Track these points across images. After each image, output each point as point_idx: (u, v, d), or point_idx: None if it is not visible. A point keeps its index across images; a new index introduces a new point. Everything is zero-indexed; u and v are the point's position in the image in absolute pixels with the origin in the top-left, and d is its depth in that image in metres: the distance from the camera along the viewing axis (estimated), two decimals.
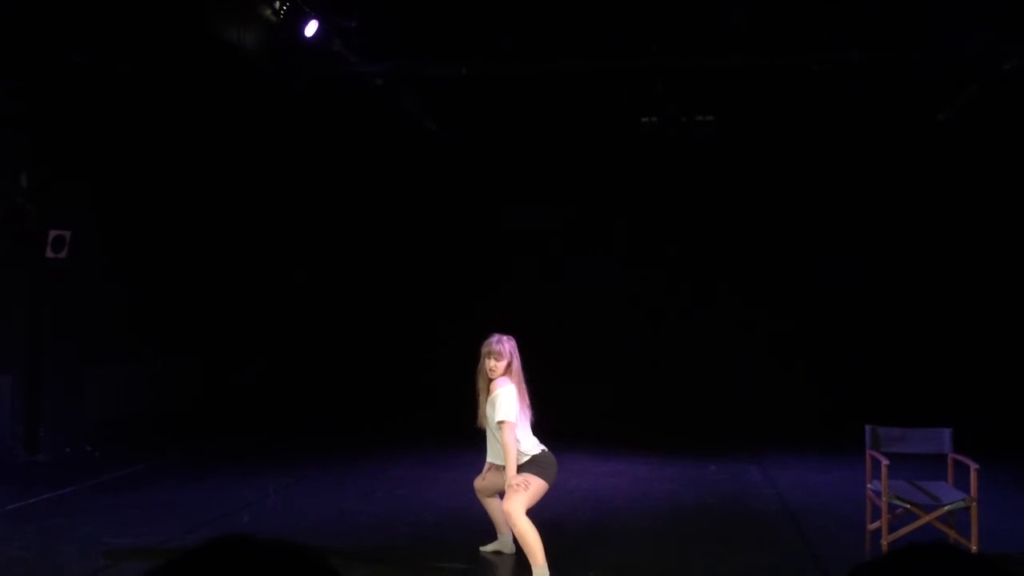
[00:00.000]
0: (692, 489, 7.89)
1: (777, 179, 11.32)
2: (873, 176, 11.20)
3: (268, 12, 8.32)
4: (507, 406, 5.35)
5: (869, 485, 5.87)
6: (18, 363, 8.48)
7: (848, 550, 5.94)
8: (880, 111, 10.39)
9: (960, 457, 5.72)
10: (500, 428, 5.34)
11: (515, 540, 5.55)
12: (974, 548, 5.43)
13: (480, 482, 5.81)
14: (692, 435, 10.09)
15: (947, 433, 5.88)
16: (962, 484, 5.63)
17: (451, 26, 8.84)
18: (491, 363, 5.39)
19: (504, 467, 5.37)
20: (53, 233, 8.52)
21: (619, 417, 10.60)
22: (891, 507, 5.56)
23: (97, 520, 6.55)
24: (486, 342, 5.46)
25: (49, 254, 8.53)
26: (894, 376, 10.67)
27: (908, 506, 5.54)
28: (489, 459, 5.62)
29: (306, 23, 8.54)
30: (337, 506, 7.12)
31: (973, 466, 5.48)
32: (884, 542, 5.51)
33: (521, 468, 5.37)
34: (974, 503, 5.46)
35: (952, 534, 5.62)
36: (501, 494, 5.60)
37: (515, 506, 5.27)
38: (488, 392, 5.45)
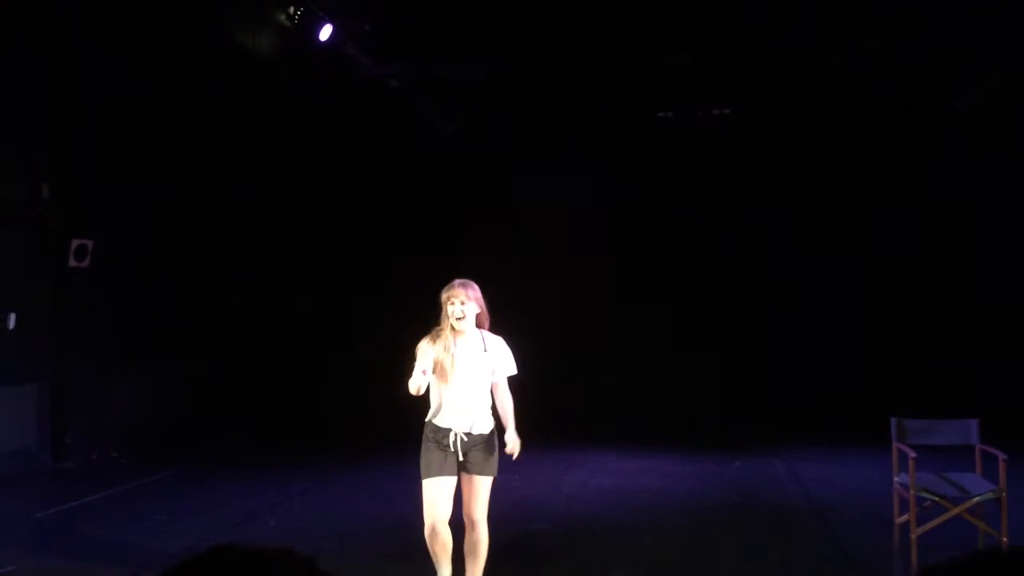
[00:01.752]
0: (717, 485, 7.86)
1: (795, 171, 11.23)
2: (892, 166, 11.09)
3: (283, 17, 8.37)
4: (513, 359, 4.74)
5: (896, 478, 5.82)
6: (43, 371, 8.56)
7: (876, 544, 5.91)
8: (898, 99, 10.29)
9: (988, 448, 5.66)
10: (500, 384, 4.71)
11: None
12: (1005, 540, 5.38)
13: (446, 503, 4.55)
14: (716, 431, 10.04)
15: (974, 424, 5.82)
16: (991, 475, 5.57)
17: (465, 26, 8.85)
18: (459, 307, 4.56)
19: (480, 436, 4.60)
20: (76, 242, 8.60)
21: (643, 414, 10.56)
22: (919, 500, 5.51)
23: (125, 526, 6.60)
24: (449, 285, 4.65)
25: (72, 263, 8.60)
26: (919, 367, 10.56)
27: (936, 499, 5.49)
28: (457, 427, 4.56)
29: (320, 27, 8.58)
30: (361, 507, 7.14)
31: (1002, 456, 5.42)
32: (913, 536, 5.46)
33: (481, 439, 4.62)
34: (1003, 494, 5.40)
35: (982, 526, 5.56)
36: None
37: (485, 514, 4.68)
38: (451, 343, 4.57)
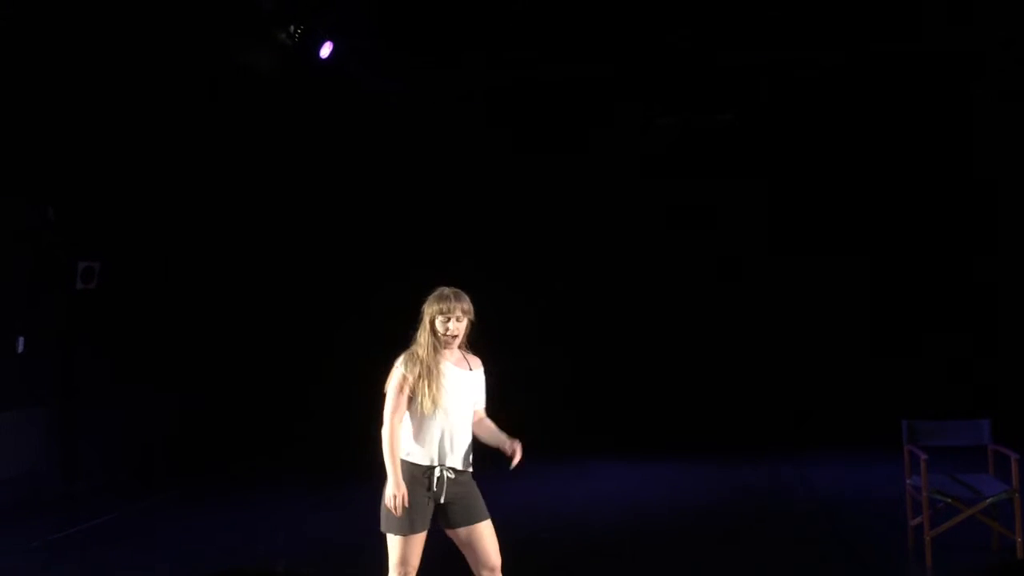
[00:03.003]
0: (726, 489, 7.86)
1: (798, 174, 11.23)
2: (900, 168, 11.08)
3: (283, 36, 8.41)
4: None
5: (908, 480, 5.81)
6: (53, 393, 8.57)
7: (890, 547, 5.89)
8: (902, 102, 10.30)
9: (1000, 448, 5.65)
10: (480, 413, 4.16)
11: None
12: (1019, 540, 5.36)
13: (417, 560, 3.96)
14: (723, 434, 10.03)
15: (986, 424, 5.82)
16: (1004, 475, 5.56)
17: (464, 38, 8.89)
18: (454, 324, 4.00)
19: (467, 475, 4.00)
20: (82, 264, 8.63)
21: (647, 418, 10.55)
22: (932, 502, 5.50)
23: (137, 547, 6.60)
24: (439, 296, 4.04)
25: (79, 285, 8.63)
26: (928, 369, 10.54)
27: (950, 500, 5.48)
28: (443, 463, 3.92)
29: (321, 45, 8.63)
30: (370, 522, 7.11)
31: (1014, 456, 5.41)
32: (927, 538, 5.45)
33: (467, 479, 4.03)
34: (1017, 494, 5.38)
35: (996, 527, 5.55)
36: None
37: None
38: (438, 363, 3.98)
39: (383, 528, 3.96)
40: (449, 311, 3.98)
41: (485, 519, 3.97)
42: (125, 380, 9.27)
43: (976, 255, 10.82)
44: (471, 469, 4.02)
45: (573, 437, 9.66)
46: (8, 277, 8.09)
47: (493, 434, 4.16)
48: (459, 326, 3.99)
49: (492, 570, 3.97)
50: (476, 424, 4.12)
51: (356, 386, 11.20)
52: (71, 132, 8.45)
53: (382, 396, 4.05)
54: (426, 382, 3.91)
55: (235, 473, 9.32)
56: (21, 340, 8.15)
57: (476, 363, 4.13)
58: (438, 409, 3.91)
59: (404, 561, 3.90)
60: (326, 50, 8.71)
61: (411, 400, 3.95)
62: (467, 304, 4.04)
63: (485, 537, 3.95)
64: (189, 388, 10.19)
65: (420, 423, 3.93)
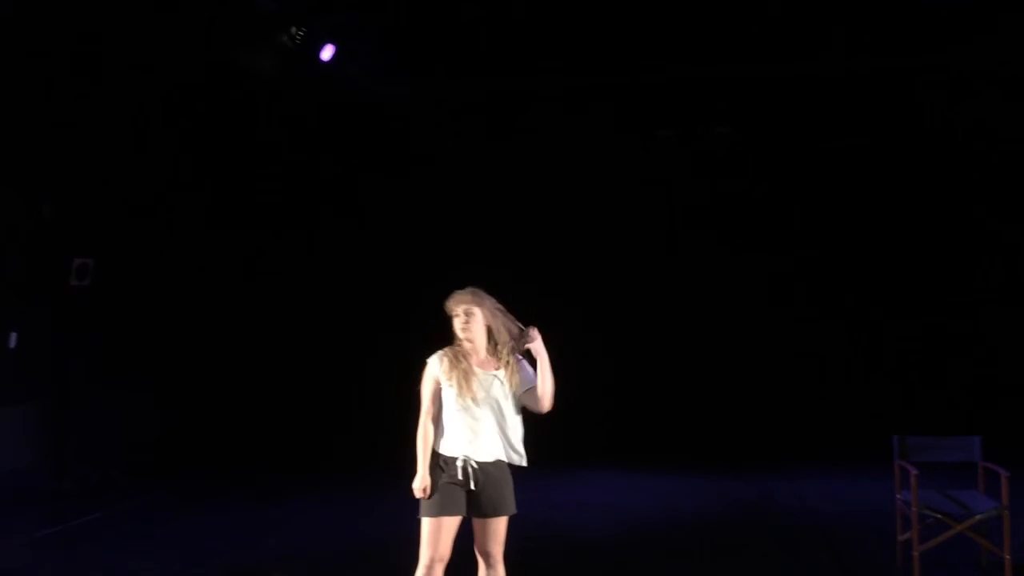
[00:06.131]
0: (719, 502, 7.85)
1: (797, 188, 11.26)
2: (895, 182, 11.11)
3: (284, 38, 8.43)
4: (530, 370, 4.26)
5: (898, 496, 5.82)
6: (44, 390, 8.55)
7: (879, 562, 5.90)
8: (897, 116, 10.34)
9: (990, 465, 5.66)
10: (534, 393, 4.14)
11: None
12: (1007, 557, 5.37)
13: (446, 544, 4.09)
14: (718, 448, 10.03)
15: (977, 441, 5.82)
16: (993, 492, 5.57)
17: (466, 46, 8.92)
18: (459, 323, 4.20)
19: (495, 467, 4.10)
20: (77, 261, 8.62)
21: (642, 430, 10.55)
22: (922, 517, 5.50)
23: (126, 546, 6.58)
24: (452, 295, 4.23)
25: (73, 282, 8.62)
26: (920, 385, 10.55)
27: (939, 516, 5.48)
28: (466, 454, 4.06)
29: (322, 48, 8.65)
30: (359, 526, 7.10)
31: (1004, 473, 5.41)
32: (915, 553, 5.45)
33: (498, 472, 4.14)
34: (1006, 511, 5.39)
35: (985, 544, 5.55)
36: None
37: (502, 551, 4.19)
38: (460, 362, 4.15)
39: (419, 514, 4.13)
40: (449, 312, 4.16)
41: (501, 515, 4.11)
42: (118, 377, 9.25)
43: (971, 272, 10.86)
44: (501, 462, 4.12)
45: (564, 447, 9.64)
46: (2, 273, 8.07)
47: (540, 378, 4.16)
48: (467, 325, 4.10)
49: (489, 557, 4.14)
50: (536, 400, 4.15)
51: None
52: (68, 128, 8.44)
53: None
54: (449, 379, 4.08)
55: (228, 473, 9.29)
56: (14, 336, 8.13)
57: (513, 361, 4.15)
58: (459, 405, 4.06)
59: (432, 544, 4.04)
60: (327, 53, 8.73)
61: (441, 394, 4.13)
62: (465, 299, 4.13)
63: (492, 528, 4.10)
64: (181, 386, 10.17)
65: (448, 417, 4.11)
